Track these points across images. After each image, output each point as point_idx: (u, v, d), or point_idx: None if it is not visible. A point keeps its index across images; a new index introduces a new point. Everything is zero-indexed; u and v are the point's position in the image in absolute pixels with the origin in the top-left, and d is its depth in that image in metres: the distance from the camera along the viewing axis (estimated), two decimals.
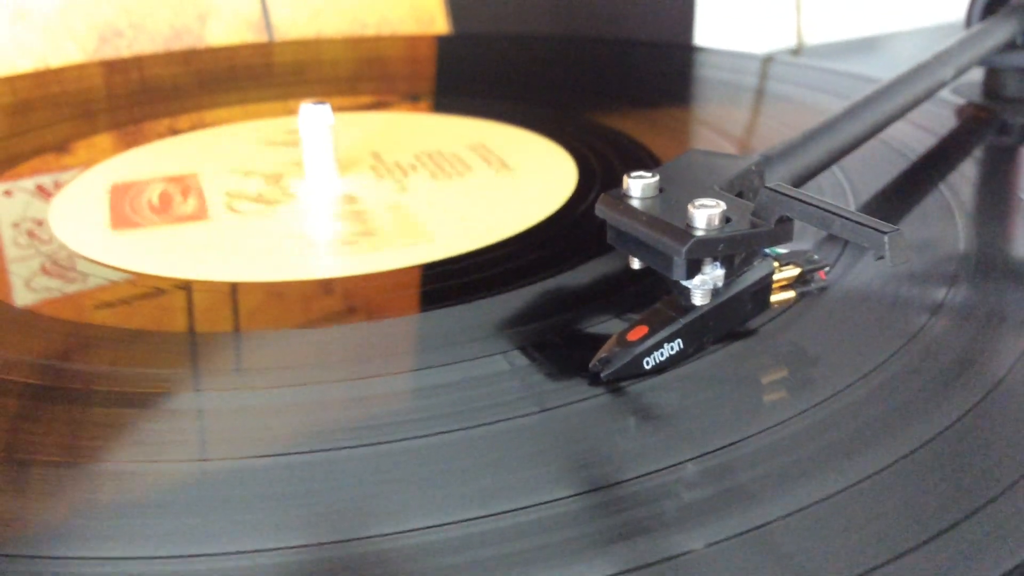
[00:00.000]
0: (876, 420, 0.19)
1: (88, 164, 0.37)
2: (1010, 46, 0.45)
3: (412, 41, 0.60)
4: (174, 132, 0.42)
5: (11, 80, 0.51)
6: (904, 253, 0.17)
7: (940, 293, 0.24)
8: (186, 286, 0.26)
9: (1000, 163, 0.36)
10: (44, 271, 0.27)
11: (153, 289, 0.26)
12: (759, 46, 0.93)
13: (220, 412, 0.20)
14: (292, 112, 0.44)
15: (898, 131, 0.37)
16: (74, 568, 0.16)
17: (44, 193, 0.34)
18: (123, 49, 0.54)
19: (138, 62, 0.54)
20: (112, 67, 0.53)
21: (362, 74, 0.54)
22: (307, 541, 0.16)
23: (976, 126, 0.40)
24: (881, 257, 0.17)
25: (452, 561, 0.16)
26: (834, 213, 0.18)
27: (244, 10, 0.56)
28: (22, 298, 0.26)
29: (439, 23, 0.62)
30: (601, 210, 0.21)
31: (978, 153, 0.36)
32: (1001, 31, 0.42)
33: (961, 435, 0.19)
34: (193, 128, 0.43)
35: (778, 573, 0.16)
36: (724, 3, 0.91)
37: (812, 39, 0.98)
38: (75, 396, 0.21)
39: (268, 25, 0.57)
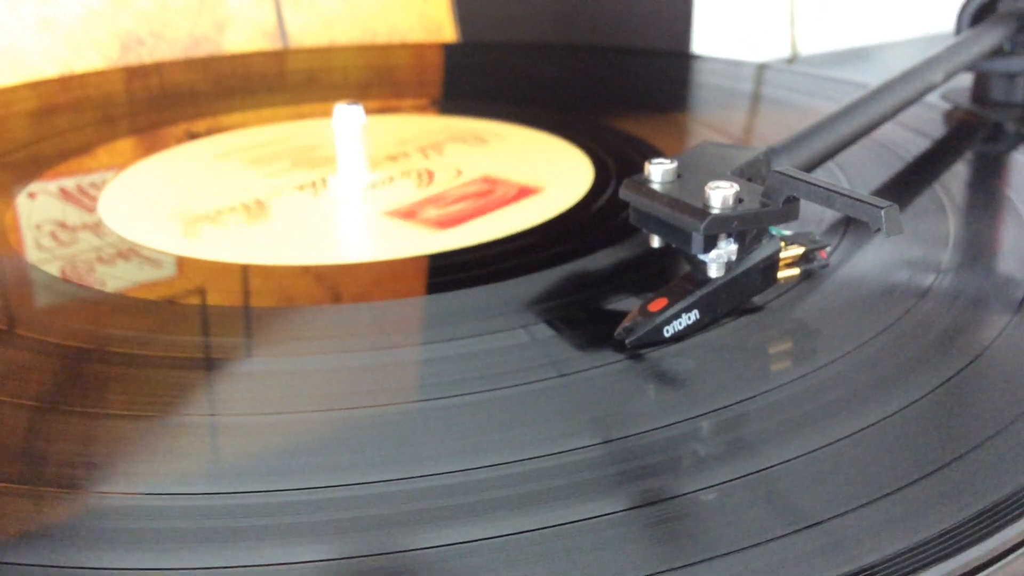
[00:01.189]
0: (871, 382, 0.21)
1: (120, 167, 0.39)
2: (997, 52, 0.47)
3: (420, 49, 0.62)
4: (191, 136, 0.44)
5: (36, 85, 0.52)
6: (898, 225, 0.19)
7: (930, 278, 0.26)
8: (305, 270, 0.29)
9: (989, 164, 0.38)
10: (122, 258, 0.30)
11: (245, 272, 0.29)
12: (755, 56, 0.95)
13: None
14: (303, 116, 0.47)
15: (894, 134, 0.39)
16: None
17: (84, 195, 0.36)
18: (144, 57, 0.56)
19: (158, 68, 0.55)
20: (133, 73, 0.55)
21: (372, 80, 0.55)
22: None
23: (966, 130, 0.42)
24: (879, 229, 0.19)
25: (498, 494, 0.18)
26: (836, 192, 0.20)
27: (260, 19, 0.58)
28: (112, 285, 0.28)
29: (447, 31, 0.64)
30: (625, 193, 0.23)
31: (969, 155, 0.39)
32: (988, 38, 0.44)
33: (948, 394, 0.21)
34: (209, 132, 0.44)
35: (777, 510, 0.18)
36: (720, 14, 0.92)
37: (806, 49, 0.99)
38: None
39: (283, 33, 0.59)
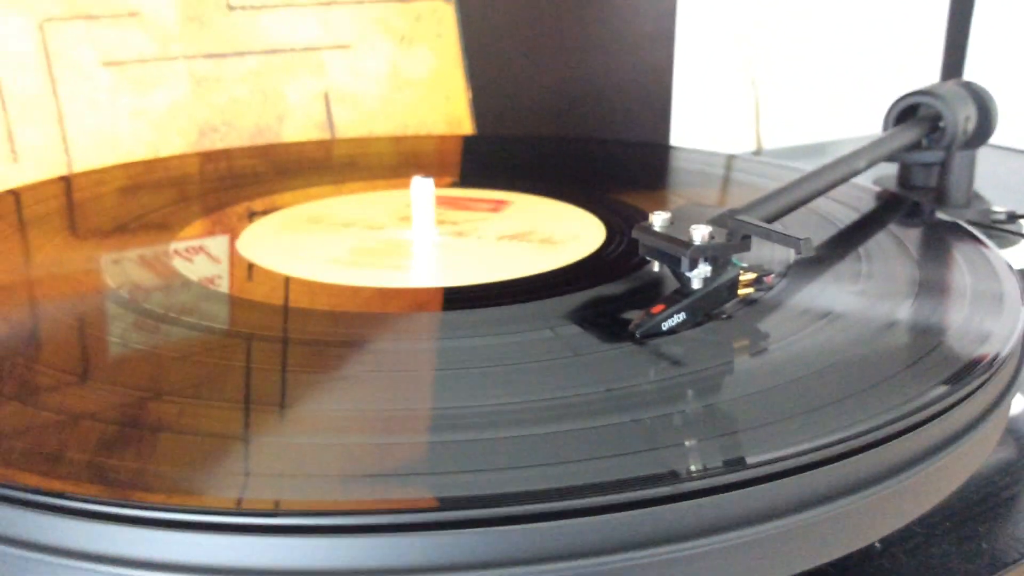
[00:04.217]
0: (791, 356, 0.32)
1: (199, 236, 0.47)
2: (917, 146, 0.58)
3: (443, 140, 0.71)
4: (251, 213, 0.51)
5: (127, 166, 0.60)
6: (810, 250, 0.30)
7: (841, 304, 0.37)
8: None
9: (902, 233, 0.49)
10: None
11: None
12: (724, 148, 1.06)
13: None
14: (342, 192, 0.56)
15: (831, 208, 0.51)
16: None
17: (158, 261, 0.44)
18: (217, 142, 0.67)
19: (227, 153, 0.64)
20: (207, 157, 0.63)
21: (403, 164, 0.64)
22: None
23: (889, 206, 0.54)
24: (798, 252, 0.30)
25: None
26: (771, 230, 0.31)
27: (313, 113, 0.69)
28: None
29: (466, 126, 0.75)
30: (636, 232, 0.34)
31: (889, 226, 0.49)
32: (907, 135, 0.55)
33: (846, 367, 0.32)
34: (266, 210, 0.52)
35: (721, 429, 0.29)
36: (693, 112, 1.03)
37: (769, 144, 1.11)
38: None
39: (331, 125, 0.70)
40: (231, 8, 0.67)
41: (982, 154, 0.58)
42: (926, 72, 1.16)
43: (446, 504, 0.24)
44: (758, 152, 1.08)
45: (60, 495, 0.24)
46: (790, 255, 0.40)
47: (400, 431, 0.28)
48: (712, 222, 0.34)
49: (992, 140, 0.59)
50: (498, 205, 0.51)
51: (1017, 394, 0.50)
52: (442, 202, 0.50)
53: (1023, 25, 1.13)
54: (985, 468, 0.44)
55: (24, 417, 0.29)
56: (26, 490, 0.24)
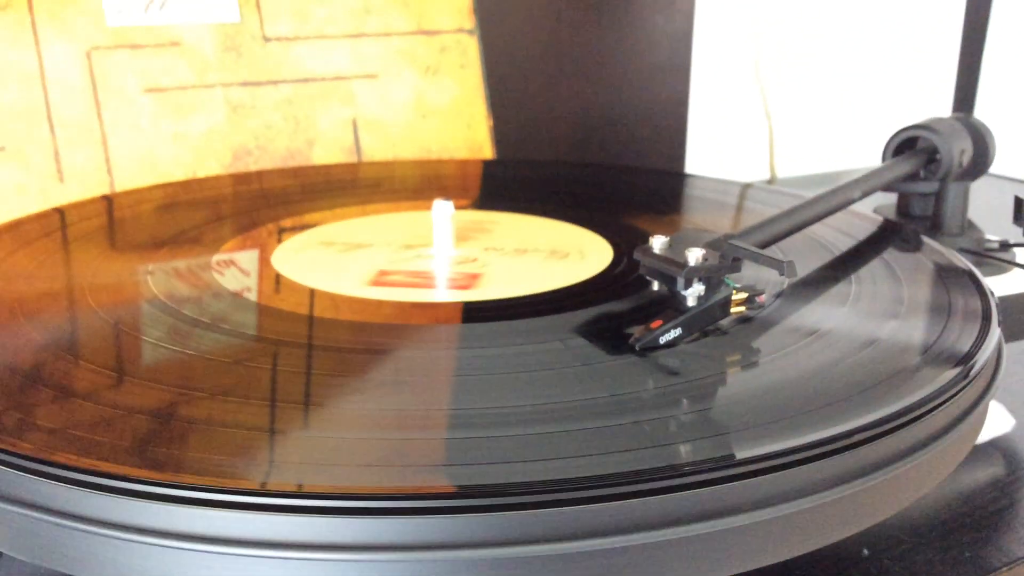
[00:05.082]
0: (782, 367, 0.35)
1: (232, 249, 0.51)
2: (915, 176, 0.61)
3: (464, 164, 0.74)
4: (280, 230, 0.54)
5: (165, 186, 0.63)
6: (793, 273, 0.33)
7: (830, 322, 0.40)
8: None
9: (896, 260, 0.52)
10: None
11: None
12: (738, 176, 1.08)
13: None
14: (368, 213, 0.59)
15: (828, 234, 0.54)
16: None
17: (192, 274, 0.46)
18: (251, 165, 0.71)
19: (259, 176, 0.67)
20: (240, 179, 0.66)
21: (426, 187, 0.66)
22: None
23: (882, 233, 0.55)
24: (782, 273, 0.34)
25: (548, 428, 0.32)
26: (759, 253, 0.34)
27: (341, 138, 0.73)
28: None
29: (486, 151, 0.77)
30: (637, 254, 0.37)
31: (882, 253, 0.52)
32: (903, 167, 0.57)
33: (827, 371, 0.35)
34: (294, 228, 0.55)
35: (712, 430, 0.32)
36: (708, 141, 1.06)
37: (783, 173, 1.14)
38: None
39: (358, 149, 0.74)
40: (266, 39, 0.70)
41: (986, 183, 0.60)
42: (938, 103, 1.18)
43: (466, 492, 0.27)
44: (772, 181, 1.11)
45: (117, 477, 0.28)
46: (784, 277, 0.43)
47: (419, 428, 0.31)
48: (707, 245, 0.37)
49: (1000, 170, 0.61)
50: (541, 235, 0.54)
51: (1006, 412, 0.53)
52: (465, 223, 0.54)
53: None
54: (974, 483, 0.47)
55: (92, 411, 0.32)
56: (87, 472, 0.28)
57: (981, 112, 1.11)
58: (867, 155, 1.11)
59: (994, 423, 0.51)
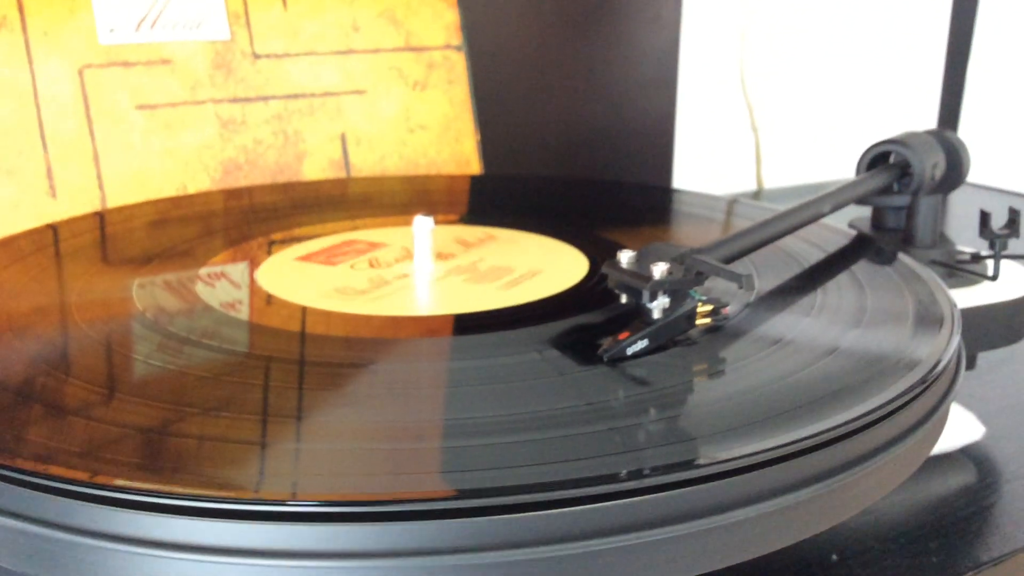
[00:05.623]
0: (741, 377, 0.37)
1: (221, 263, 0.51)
2: (888, 190, 0.62)
3: (452, 179, 0.75)
4: (270, 243, 0.55)
5: (156, 203, 0.64)
6: (751, 286, 0.35)
7: (787, 335, 0.42)
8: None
9: (862, 269, 0.53)
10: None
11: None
12: (725, 188, 1.10)
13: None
14: (358, 228, 0.59)
15: (800, 247, 0.55)
16: None
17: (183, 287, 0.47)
18: (241, 180, 0.72)
19: (249, 191, 0.68)
20: (230, 194, 0.67)
21: (413, 201, 0.67)
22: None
23: (851, 246, 0.56)
24: (740, 287, 0.35)
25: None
26: (720, 267, 0.36)
27: (330, 153, 0.74)
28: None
29: (474, 165, 0.78)
30: (605, 268, 0.39)
31: (854, 266, 0.52)
32: (875, 181, 0.57)
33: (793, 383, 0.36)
34: (284, 242, 0.55)
35: (680, 436, 0.33)
36: (695, 153, 1.08)
37: (770, 184, 1.15)
38: None
39: (347, 164, 0.75)
40: (256, 56, 0.72)
41: (967, 192, 0.61)
42: (924, 113, 1.20)
43: (449, 495, 0.29)
44: (759, 191, 1.12)
45: (105, 487, 0.29)
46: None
47: (404, 438, 0.33)
48: (673, 259, 0.39)
49: (982, 180, 0.61)
50: (520, 249, 0.56)
51: (976, 421, 0.54)
52: (448, 238, 0.55)
53: (1016, 69, 1.16)
54: (944, 490, 0.49)
55: (86, 429, 0.33)
56: (77, 483, 0.29)
57: (967, 121, 1.13)
58: (853, 165, 1.12)
59: (965, 431, 0.53)
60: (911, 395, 0.36)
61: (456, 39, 0.79)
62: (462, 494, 0.29)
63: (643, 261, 0.39)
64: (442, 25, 0.79)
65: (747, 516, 0.30)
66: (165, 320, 0.43)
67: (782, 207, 0.51)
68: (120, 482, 0.29)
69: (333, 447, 0.32)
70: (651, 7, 0.97)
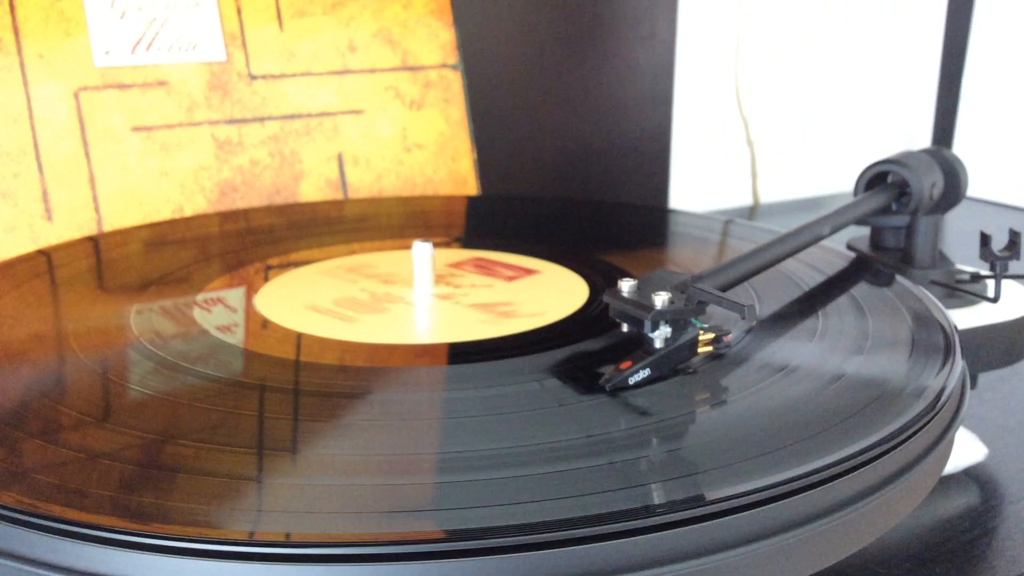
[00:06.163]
0: (749, 405, 0.36)
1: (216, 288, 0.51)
2: (887, 210, 0.62)
3: (449, 199, 0.75)
4: (267, 267, 0.55)
5: (153, 225, 0.64)
6: (753, 316, 0.35)
7: (798, 359, 0.41)
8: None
9: (862, 292, 0.53)
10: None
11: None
12: (721, 203, 1.10)
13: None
14: (354, 251, 0.59)
15: (800, 270, 0.55)
16: None
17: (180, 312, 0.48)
18: (238, 201, 0.71)
19: (246, 214, 0.67)
20: (227, 216, 0.67)
21: (410, 223, 0.67)
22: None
23: (851, 268, 0.55)
24: (743, 317, 0.35)
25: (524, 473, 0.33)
26: (722, 297, 0.35)
27: (327, 174, 0.74)
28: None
29: (470, 183, 0.78)
30: (606, 297, 0.38)
31: (854, 289, 0.52)
32: (873, 202, 0.57)
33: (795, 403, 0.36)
34: (281, 265, 0.56)
35: (685, 463, 0.33)
36: (692, 170, 1.08)
37: (766, 198, 1.15)
38: None
39: (344, 184, 0.75)
40: (253, 77, 0.72)
41: (963, 205, 0.61)
42: (919, 127, 1.20)
43: (448, 537, 0.28)
44: (755, 207, 1.12)
45: (89, 525, 0.29)
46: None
47: (400, 472, 0.32)
48: (674, 288, 0.39)
49: (978, 194, 0.61)
50: (519, 274, 0.55)
51: (979, 442, 0.54)
52: (446, 262, 0.55)
53: (1009, 83, 1.17)
54: (948, 513, 0.48)
55: (76, 460, 0.33)
56: (56, 520, 0.29)
57: (962, 133, 1.13)
58: (849, 180, 1.12)
59: (967, 453, 0.53)
60: (918, 425, 0.36)
61: (452, 58, 0.79)
62: (457, 535, 0.28)
63: (644, 290, 0.38)
64: (438, 44, 0.79)
65: (754, 552, 0.30)
66: (162, 346, 0.43)
67: (779, 225, 0.51)
68: (102, 520, 0.29)
69: (326, 483, 0.32)
70: (646, 25, 0.97)
